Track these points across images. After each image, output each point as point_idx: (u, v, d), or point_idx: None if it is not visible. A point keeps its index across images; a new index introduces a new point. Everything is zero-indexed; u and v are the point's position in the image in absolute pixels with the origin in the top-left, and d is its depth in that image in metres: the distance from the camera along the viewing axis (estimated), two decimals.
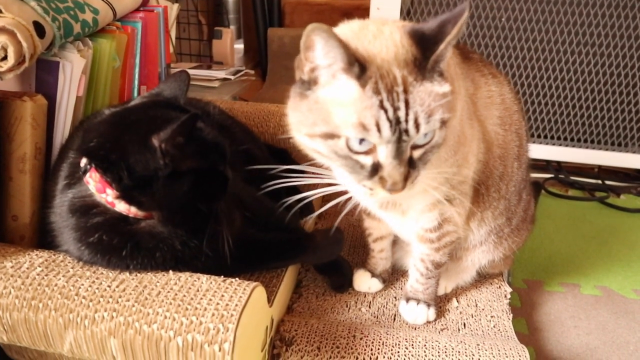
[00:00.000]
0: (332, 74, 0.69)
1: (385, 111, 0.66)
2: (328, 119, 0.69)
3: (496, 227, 1.04)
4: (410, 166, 0.71)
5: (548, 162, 2.10)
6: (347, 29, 0.75)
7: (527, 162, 1.08)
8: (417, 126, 0.68)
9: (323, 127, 0.69)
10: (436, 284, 1.08)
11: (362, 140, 0.68)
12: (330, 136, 0.69)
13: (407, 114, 0.67)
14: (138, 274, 0.82)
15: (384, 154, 0.69)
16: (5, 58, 0.86)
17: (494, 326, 1.07)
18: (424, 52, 0.69)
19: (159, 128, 0.75)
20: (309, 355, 0.92)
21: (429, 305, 1.06)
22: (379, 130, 0.67)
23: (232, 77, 2.43)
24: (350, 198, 0.88)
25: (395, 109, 0.67)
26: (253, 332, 0.82)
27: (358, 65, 0.67)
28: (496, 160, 0.96)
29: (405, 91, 0.67)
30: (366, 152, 0.70)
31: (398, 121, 0.67)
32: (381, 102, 0.66)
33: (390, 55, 0.69)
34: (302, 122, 0.72)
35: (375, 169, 0.71)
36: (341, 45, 0.66)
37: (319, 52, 0.68)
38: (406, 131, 0.67)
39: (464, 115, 0.86)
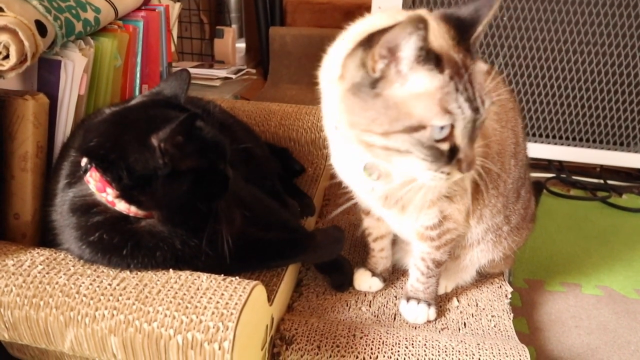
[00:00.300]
0: (412, 66, 0.68)
1: (461, 94, 0.69)
2: (411, 111, 0.69)
3: (494, 225, 1.04)
4: None
5: (550, 161, 2.10)
6: (382, 22, 0.75)
7: (525, 161, 1.08)
8: (482, 103, 0.71)
9: (407, 121, 0.69)
10: (436, 283, 1.08)
11: (442, 128, 0.70)
12: (416, 129, 0.69)
13: (474, 94, 0.70)
14: (139, 272, 0.83)
15: (461, 135, 0.72)
16: (7, 57, 0.86)
17: (495, 326, 1.07)
18: (462, 34, 0.72)
19: (158, 127, 0.75)
20: (309, 354, 0.92)
21: (429, 305, 1.07)
22: (462, 112, 0.69)
23: (234, 76, 2.43)
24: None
25: (466, 90, 0.69)
26: (253, 331, 0.82)
27: (434, 55, 0.68)
28: (494, 156, 0.96)
29: (468, 73, 0.70)
30: (444, 139, 0.71)
31: (470, 101, 0.69)
32: (457, 86, 0.69)
33: (441, 41, 0.71)
34: (377, 120, 0.70)
35: (453, 153, 0.72)
36: (426, 36, 0.66)
37: (407, 45, 0.67)
38: (477, 109, 0.70)
39: None
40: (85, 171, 0.81)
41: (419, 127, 0.69)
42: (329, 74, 0.80)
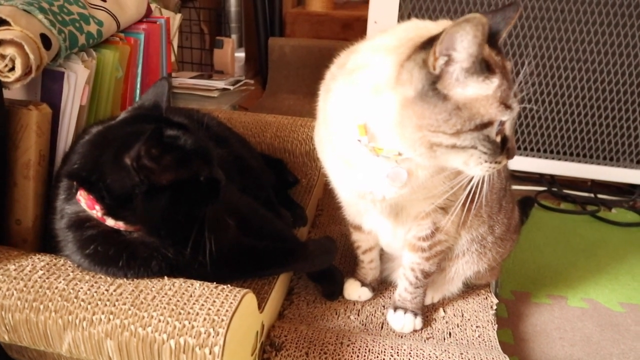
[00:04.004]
0: (469, 70, 0.73)
1: (511, 90, 0.76)
2: (480, 110, 0.74)
3: (479, 236, 1.07)
4: None
5: (542, 175, 2.13)
6: (436, 27, 0.79)
7: (505, 172, 1.11)
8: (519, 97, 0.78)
9: (478, 120, 0.75)
10: (424, 293, 1.11)
11: (500, 122, 0.77)
12: (485, 125, 0.75)
13: (515, 89, 0.77)
14: (134, 280, 0.85)
15: (509, 127, 0.80)
16: (12, 69, 0.90)
17: (479, 336, 1.10)
18: (489, 40, 0.77)
19: (131, 146, 0.76)
20: None
21: (415, 315, 1.10)
22: (516, 106, 0.77)
23: (231, 88, 2.46)
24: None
25: (512, 87, 0.76)
26: (243, 337, 0.85)
27: (485, 60, 0.74)
28: None
29: (507, 72, 0.77)
30: (498, 132, 0.78)
31: (516, 96, 0.77)
32: (507, 84, 0.75)
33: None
34: (450, 121, 0.74)
35: (504, 143, 0.80)
36: (484, 36, 0.71)
37: (466, 42, 0.71)
38: (519, 102, 0.77)
39: None
40: (76, 190, 0.85)
41: (488, 124, 0.75)
42: (359, 85, 0.80)
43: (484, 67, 0.73)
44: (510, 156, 0.82)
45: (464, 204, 0.97)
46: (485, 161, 0.79)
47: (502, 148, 0.79)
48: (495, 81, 0.74)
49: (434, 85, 0.73)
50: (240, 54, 2.91)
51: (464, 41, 0.70)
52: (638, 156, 1.95)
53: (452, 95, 0.73)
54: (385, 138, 0.81)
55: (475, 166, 0.80)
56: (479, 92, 0.74)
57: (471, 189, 0.85)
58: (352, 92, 0.82)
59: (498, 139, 0.78)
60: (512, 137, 0.81)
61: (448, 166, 0.82)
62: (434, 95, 0.73)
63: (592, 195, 2.09)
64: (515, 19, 0.81)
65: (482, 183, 0.84)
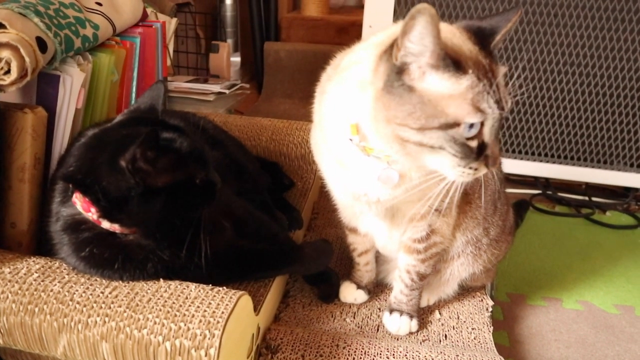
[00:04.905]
0: (430, 64, 0.71)
1: (491, 95, 0.73)
2: (446, 109, 0.72)
3: (474, 238, 1.08)
4: None
5: (536, 178, 2.14)
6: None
7: (500, 175, 1.11)
8: (506, 102, 0.76)
9: (443, 118, 0.72)
10: (419, 295, 1.12)
11: (472, 126, 0.74)
12: (451, 125, 0.73)
13: (500, 94, 0.75)
14: (130, 282, 0.85)
15: (489, 133, 0.76)
16: (8, 72, 0.90)
17: (474, 338, 1.10)
18: (482, 42, 0.78)
19: (126, 149, 0.76)
20: None
21: (411, 317, 1.10)
22: (492, 111, 0.74)
23: (227, 91, 2.46)
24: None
25: (494, 92, 0.74)
26: (239, 339, 0.85)
27: (451, 57, 0.72)
28: None
29: (494, 76, 0.75)
30: (474, 137, 0.75)
31: (498, 102, 0.74)
32: (486, 87, 0.73)
33: (468, 46, 0.76)
34: (414, 114, 0.73)
35: (481, 149, 0.76)
36: (437, 26, 0.69)
37: (423, 33, 0.69)
38: (503, 108, 0.75)
39: None
40: (72, 193, 0.85)
41: (454, 124, 0.73)
42: (349, 82, 0.81)
43: (449, 63, 0.71)
44: (489, 164, 0.78)
45: (458, 207, 0.98)
46: (459, 165, 0.76)
47: (480, 154, 0.77)
48: (464, 82, 0.72)
49: (398, 76, 0.73)
50: (236, 59, 2.92)
51: (416, 31, 0.69)
52: (632, 159, 1.97)
53: (417, 88, 0.73)
54: (370, 136, 0.81)
55: (450, 169, 0.78)
56: (443, 90, 0.72)
57: (444, 186, 0.83)
58: (343, 90, 0.83)
59: (474, 143, 0.75)
60: (493, 144, 0.77)
61: (427, 166, 0.80)
62: (399, 87, 0.73)
63: (586, 198, 2.10)
64: (514, 22, 0.80)
65: (456, 185, 0.83)
